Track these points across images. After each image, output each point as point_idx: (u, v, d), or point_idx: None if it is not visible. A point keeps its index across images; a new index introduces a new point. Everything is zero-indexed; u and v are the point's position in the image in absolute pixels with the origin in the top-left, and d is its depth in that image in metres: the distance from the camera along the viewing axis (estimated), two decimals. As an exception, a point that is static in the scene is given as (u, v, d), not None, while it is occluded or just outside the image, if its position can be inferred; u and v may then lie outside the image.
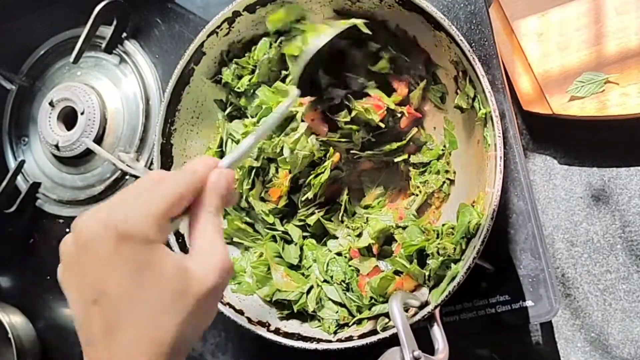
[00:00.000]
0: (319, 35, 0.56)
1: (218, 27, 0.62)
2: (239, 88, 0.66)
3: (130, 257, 0.33)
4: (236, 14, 0.62)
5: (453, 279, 0.52)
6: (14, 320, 0.81)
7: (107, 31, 0.80)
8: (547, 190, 0.90)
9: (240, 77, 0.67)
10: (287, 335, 0.59)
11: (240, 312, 0.61)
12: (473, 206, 0.56)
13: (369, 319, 0.60)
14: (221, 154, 0.68)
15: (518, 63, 0.85)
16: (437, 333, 0.51)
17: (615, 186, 0.87)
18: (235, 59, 0.66)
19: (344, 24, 0.56)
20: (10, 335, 0.78)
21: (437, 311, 0.52)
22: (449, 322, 0.65)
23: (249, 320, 0.60)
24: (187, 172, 0.38)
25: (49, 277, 0.83)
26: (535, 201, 0.65)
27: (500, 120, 0.53)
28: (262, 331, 0.59)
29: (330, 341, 0.57)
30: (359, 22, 0.57)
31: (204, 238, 0.37)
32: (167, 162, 0.65)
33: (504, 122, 0.65)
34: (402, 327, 0.47)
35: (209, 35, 0.62)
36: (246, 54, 0.66)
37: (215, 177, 0.39)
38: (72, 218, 0.82)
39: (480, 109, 0.56)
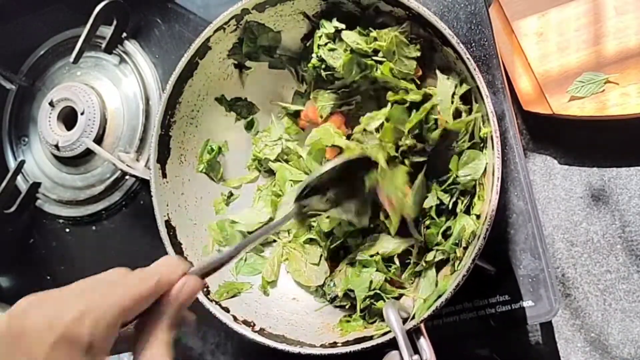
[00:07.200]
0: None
1: (226, 23, 0.62)
2: None
3: None
4: (245, 11, 0.62)
5: (440, 295, 0.51)
6: (14, 320, 0.81)
7: (107, 31, 0.80)
8: (547, 190, 0.90)
9: None
10: (271, 336, 0.58)
11: (226, 310, 0.60)
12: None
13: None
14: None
15: (518, 63, 0.85)
16: (424, 344, 0.50)
17: (615, 186, 0.87)
18: None
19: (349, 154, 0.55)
20: (10, 335, 0.78)
21: (422, 325, 0.51)
22: (449, 322, 0.65)
23: (234, 318, 0.59)
24: (152, 274, 0.35)
25: (49, 277, 0.83)
26: (535, 201, 0.65)
27: (500, 140, 0.52)
28: (246, 331, 0.58)
29: (314, 346, 0.56)
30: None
31: (153, 354, 0.34)
32: (164, 154, 0.64)
33: (504, 123, 0.65)
34: (400, 332, 0.47)
35: (216, 31, 0.62)
36: None
37: (180, 285, 0.36)
38: (72, 218, 0.84)
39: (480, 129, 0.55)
